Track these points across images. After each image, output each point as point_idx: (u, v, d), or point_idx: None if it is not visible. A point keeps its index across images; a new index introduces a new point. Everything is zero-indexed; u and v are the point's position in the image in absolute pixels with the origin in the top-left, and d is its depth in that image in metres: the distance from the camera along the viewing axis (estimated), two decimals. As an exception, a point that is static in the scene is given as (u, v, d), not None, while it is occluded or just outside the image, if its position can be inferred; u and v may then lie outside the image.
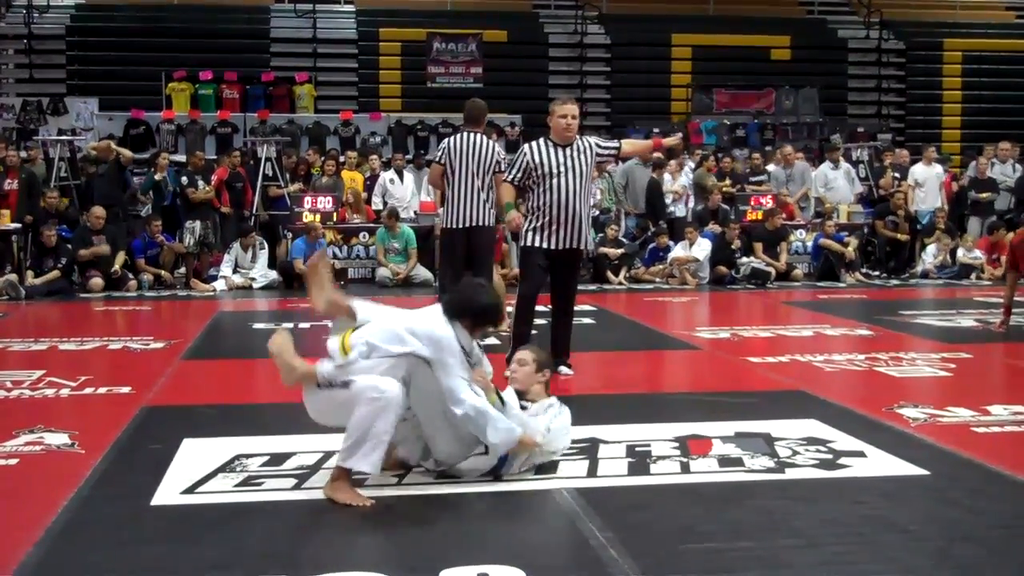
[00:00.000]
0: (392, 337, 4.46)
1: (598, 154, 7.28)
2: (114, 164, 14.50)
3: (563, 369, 7.07)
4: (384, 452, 4.38)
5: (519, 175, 7.18)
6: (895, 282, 15.00)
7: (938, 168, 16.64)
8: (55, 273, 12.93)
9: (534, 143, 7.27)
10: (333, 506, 4.25)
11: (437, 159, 8.58)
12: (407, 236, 14.22)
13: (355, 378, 4.37)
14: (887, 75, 23.96)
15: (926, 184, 16.37)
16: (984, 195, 16.44)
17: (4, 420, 5.85)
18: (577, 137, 7.21)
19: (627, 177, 15.41)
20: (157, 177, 14.94)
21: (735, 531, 3.95)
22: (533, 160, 7.10)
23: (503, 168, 8.30)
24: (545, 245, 7.13)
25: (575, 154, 7.12)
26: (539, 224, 7.13)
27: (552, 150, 7.12)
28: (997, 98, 23.30)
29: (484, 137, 8.51)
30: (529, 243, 7.20)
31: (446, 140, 8.72)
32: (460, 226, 8.35)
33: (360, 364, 4.40)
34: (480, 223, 8.38)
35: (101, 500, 4.37)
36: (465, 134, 8.48)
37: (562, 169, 7.06)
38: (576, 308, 7.69)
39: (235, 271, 14.04)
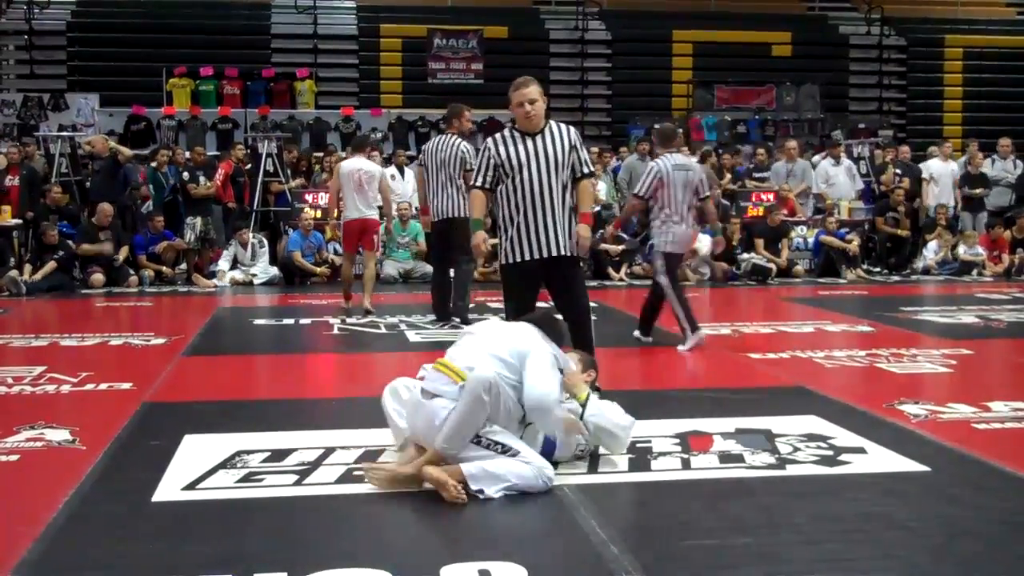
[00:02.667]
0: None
1: (575, 148, 6.11)
2: (111, 161, 14.50)
3: None
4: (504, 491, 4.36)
5: (489, 175, 6.12)
6: (896, 278, 15.01)
7: (953, 165, 16.64)
8: (51, 265, 12.93)
9: (498, 135, 6.21)
10: (334, 503, 4.26)
11: (419, 162, 9.87)
12: (415, 231, 14.21)
13: (521, 450, 4.42)
14: (888, 71, 23.96)
15: (940, 180, 16.37)
16: (976, 191, 16.44)
17: (5, 416, 5.86)
18: (551, 123, 6.12)
19: (629, 173, 15.42)
20: (154, 164, 14.98)
21: (736, 527, 3.96)
22: (498, 155, 6.06)
23: (470, 165, 9.09)
24: (519, 258, 6.09)
25: (546, 142, 6.03)
26: (512, 234, 6.10)
27: (518, 140, 6.04)
28: (998, 94, 23.30)
29: (453, 136, 9.62)
30: (504, 259, 6.18)
31: (425, 145, 9.98)
32: (439, 218, 9.59)
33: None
34: (454, 215, 9.46)
35: (102, 496, 4.37)
36: (438, 137, 9.81)
37: (531, 160, 6.00)
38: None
39: (234, 267, 14.05)
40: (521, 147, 6.04)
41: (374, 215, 10.88)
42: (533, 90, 5.97)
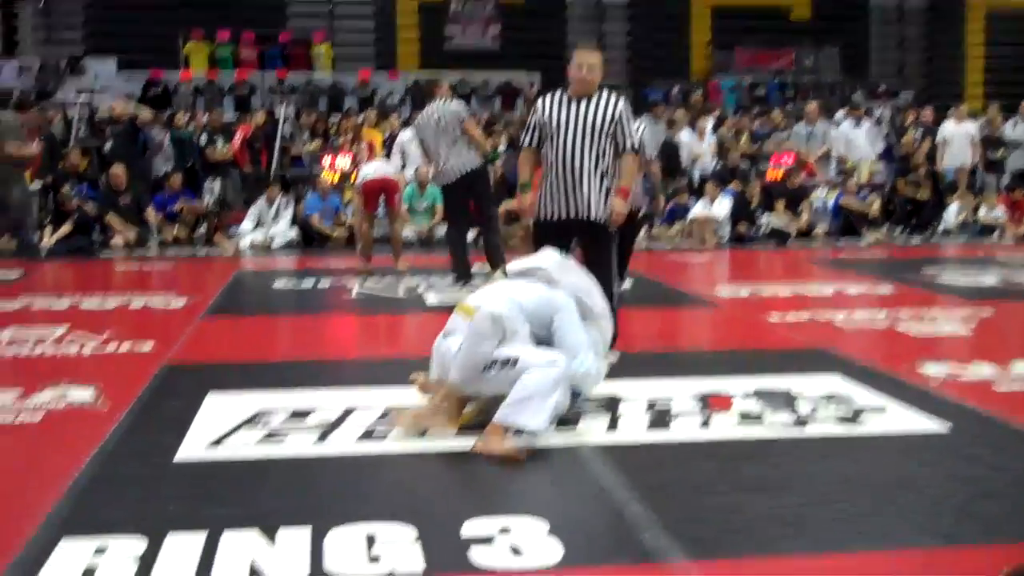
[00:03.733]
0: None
1: (620, 121, 6.07)
2: (129, 124, 14.52)
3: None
4: (552, 416, 4.49)
5: (534, 135, 6.21)
6: (917, 240, 14.93)
7: (969, 126, 16.47)
8: (67, 228, 12.96)
9: (548, 95, 6.29)
10: (355, 460, 4.29)
11: (415, 137, 10.14)
12: (434, 195, 14.18)
13: (519, 355, 4.50)
14: (910, 34, 23.73)
15: (953, 142, 16.24)
16: (998, 153, 16.30)
17: (28, 376, 5.90)
18: (604, 92, 6.15)
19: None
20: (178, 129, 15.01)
21: (755, 487, 3.96)
22: (542, 115, 6.13)
23: (465, 115, 9.57)
24: (549, 217, 6.16)
25: (590, 108, 6.06)
26: (543, 191, 6.18)
27: (564, 103, 6.11)
28: (1021, 56, 23.06)
29: (440, 101, 9.69)
30: (536, 216, 6.27)
31: (417, 120, 10.06)
32: (454, 179, 9.56)
33: (517, 327, 4.58)
34: (467, 170, 9.52)
35: (125, 455, 4.41)
36: (426, 109, 9.81)
37: (570, 123, 6.05)
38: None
39: (257, 227, 14.07)
40: (565, 110, 6.08)
41: (393, 176, 10.88)
42: (594, 56, 6.08)
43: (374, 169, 10.96)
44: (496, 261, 9.61)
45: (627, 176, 6.16)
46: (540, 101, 6.27)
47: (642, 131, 8.96)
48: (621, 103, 6.14)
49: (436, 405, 4.61)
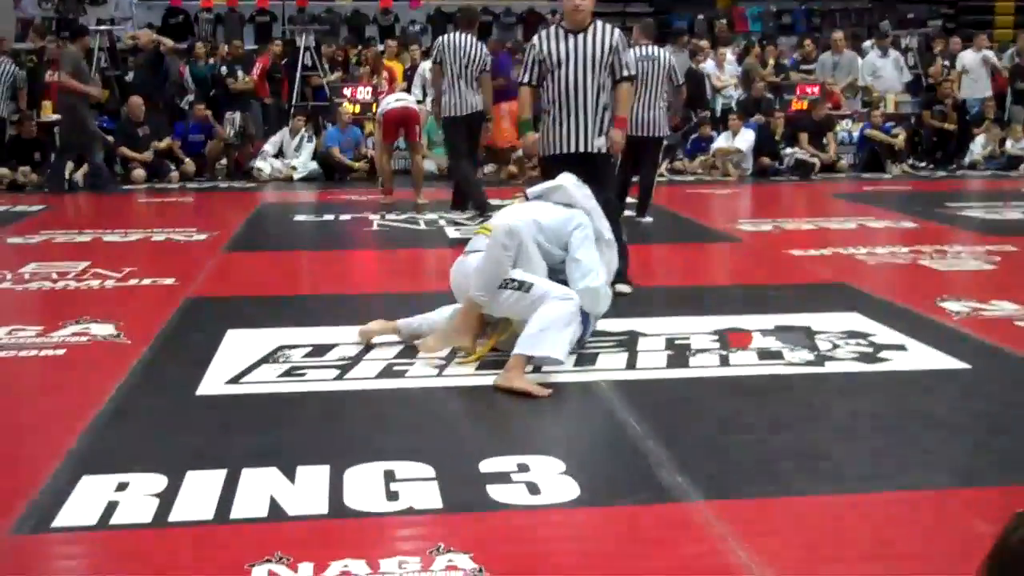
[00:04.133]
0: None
1: (616, 51, 6.13)
2: (153, 54, 14.44)
3: (619, 287, 6.03)
4: (570, 344, 4.58)
5: (534, 71, 6.23)
6: (942, 173, 14.78)
7: (989, 54, 16.17)
8: (85, 167, 12.96)
9: (543, 31, 6.36)
10: (374, 397, 4.31)
11: (435, 59, 9.96)
12: None
13: (534, 282, 4.59)
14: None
15: (973, 71, 15.97)
16: None
17: (50, 311, 5.96)
18: (597, 23, 6.20)
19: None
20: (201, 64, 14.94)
21: (774, 423, 3.97)
22: (541, 50, 6.17)
23: (488, 68, 9.87)
24: (551, 151, 6.24)
25: (587, 41, 6.10)
26: (547, 126, 6.27)
27: (561, 37, 6.14)
28: (1053, -16, 22.60)
29: (473, 38, 9.89)
30: (543, 152, 6.35)
31: (439, 39, 10.08)
32: (460, 114, 9.82)
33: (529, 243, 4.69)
34: (475, 110, 9.87)
35: (147, 390, 4.45)
36: (457, 34, 9.88)
37: (570, 57, 6.09)
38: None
39: (279, 155, 14.02)
40: (563, 44, 6.12)
41: (413, 107, 10.82)
42: None
43: (395, 99, 10.93)
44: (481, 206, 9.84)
45: (623, 105, 6.29)
46: (536, 38, 6.33)
47: (669, 59, 9.29)
48: (616, 33, 6.22)
49: (458, 323, 4.72)
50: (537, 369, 4.53)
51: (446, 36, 10.02)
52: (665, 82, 9.17)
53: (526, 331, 4.45)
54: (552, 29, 6.31)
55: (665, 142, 9.94)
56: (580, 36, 6.12)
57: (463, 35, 9.86)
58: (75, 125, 12.43)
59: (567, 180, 5.16)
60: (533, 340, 4.42)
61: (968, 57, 16.10)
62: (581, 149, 6.18)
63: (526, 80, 6.32)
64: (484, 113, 10.06)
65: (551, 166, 6.13)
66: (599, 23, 6.21)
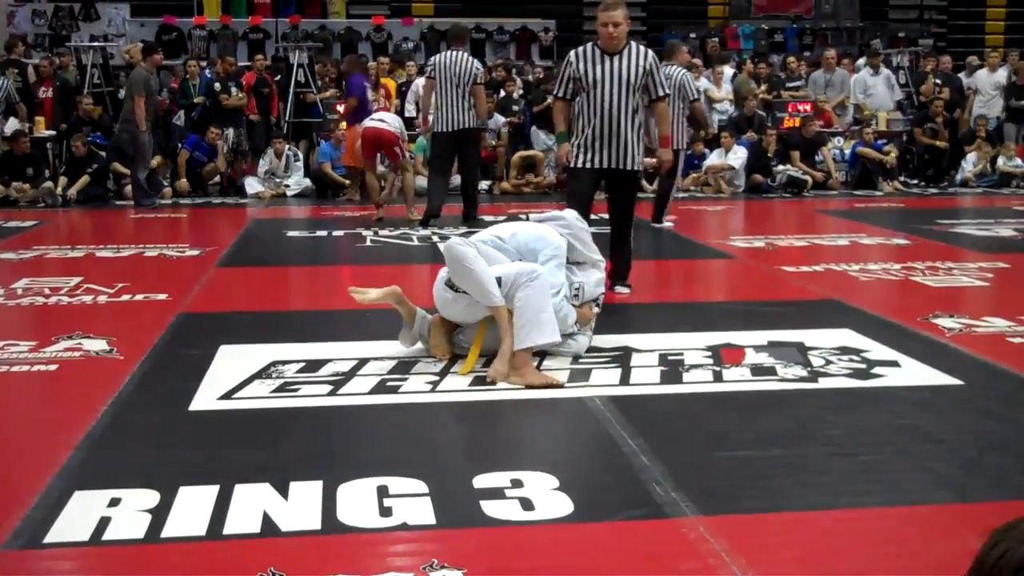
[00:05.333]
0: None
1: (651, 73, 6.54)
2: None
3: (619, 288, 6.78)
4: (555, 321, 4.79)
5: (568, 87, 6.63)
6: (933, 190, 14.82)
7: (1001, 74, 16.24)
8: (85, 179, 12.97)
9: (580, 49, 6.67)
10: (367, 412, 4.31)
11: (428, 74, 10.41)
12: None
13: (500, 274, 4.77)
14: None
15: (985, 91, 16.03)
16: (1021, 102, 16.10)
17: (43, 326, 5.94)
18: (632, 45, 6.58)
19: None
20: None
21: (767, 439, 3.97)
22: (576, 69, 6.53)
23: (480, 80, 10.20)
24: (585, 164, 6.61)
25: (623, 63, 6.47)
26: (580, 141, 6.61)
27: (597, 58, 6.51)
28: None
29: (464, 54, 10.23)
30: (572, 163, 6.69)
31: (433, 58, 10.58)
32: (448, 129, 10.16)
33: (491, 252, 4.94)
34: (464, 126, 10.19)
35: (140, 405, 4.44)
36: (449, 52, 10.30)
37: (606, 78, 6.46)
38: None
39: (268, 179, 14.02)
40: (599, 66, 6.49)
41: (390, 128, 10.73)
42: (619, 14, 6.46)
43: (373, 119, 10.95)
44: (472, 211, 10.68)
45: (666, 123, 6.86)
46: (573, 54, 6.65)
47: (681, 75, 9.97)
48: (650, 55, 6.61)
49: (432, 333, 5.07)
50: (537, 366, 4.66)
51: (439, 55, 10.46)
52: (678, 99, 9.77)
53: (517, 325, 4.66)
54: (588, 48, 6.60)
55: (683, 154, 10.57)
56: (615, 58, 6.49)
57: (455, 52, 10.23)
58: (133, 140, 12.48)
59: (569, 215, 5.49)
60: (528, 330, 4.64)
61: (981, 77, 16.17)
62: (617, 166, 6.58)
63: (560, 94, 6.73)
64: (476, 128, 10.49)
65: (577, 177, 6.69)
66: (633, 45, 6.58)
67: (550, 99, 7.93)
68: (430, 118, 10.38)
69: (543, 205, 7.40)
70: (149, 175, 13.37)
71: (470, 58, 10.26)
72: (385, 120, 10.83)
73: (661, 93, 6.64)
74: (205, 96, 14.70)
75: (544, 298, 4.71)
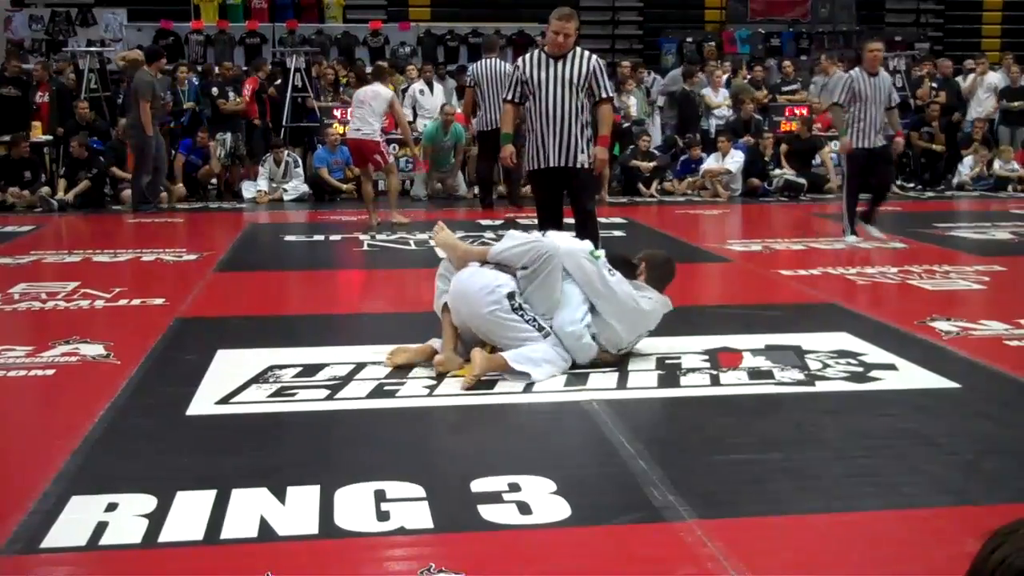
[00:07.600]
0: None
1: (594, 75, 6.90)
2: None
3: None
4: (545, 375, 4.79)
5: (517, 90, 7.03)
6: (930, 194, 14.83)
7: (995, 78, 16.21)
8: (85, 184, 12.96)
9: (527, 55, 7.16)
10: (365, 417, 4.30)
11: (469, 84, 12.21)
12: (458, 133, 13.88)
13: (546, 326, 4.87)
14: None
15: (987, 95, 16.05)
16: (1016, 104, 16.11)
17: (40, 331, 5.94)
18: (578, 51, 6.94)
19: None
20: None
21: (765, 443, 3.97)
22: (524, 73, 6.94)
23: None
24: (539, 166, 7.00)
25: (567, 66, 6.85)
26: (530, 143, 7.02)
27: (543, 62, 6.91)
28: (1038, 6, 22.75)
29: (500, 61, 11.93)
30: (527, 166, 7.16)
31: (472, 67, 12.47)
32: (494, 128, 10.76)
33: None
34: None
35: (137, 410, 4.44)
36: (488, 60, 12.05)
37: (551, 80, 6.85)
38: (606, 220, 7.73)
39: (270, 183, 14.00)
40: (545, 70, 6.87)
41: (370, 136, 10.67)
42: (571, 26, 6.83)
43: (351, 129, 11.01)
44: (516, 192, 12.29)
45: (605, 124, 7.12)
46: (521, 60, 7.13)
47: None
48: (594, 59, 6.98)
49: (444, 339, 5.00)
50: (529, 387, 4.56)
51: (478, 63, 12.33)
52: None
53: (523, 349, 4.70)
54: (536, 53, 7.04)
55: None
56: (560, 62, 6.85)
57: (495, 60, 12.05)
58: (140, 146, 12.46)
59: (511, 232, 5.44)
60: (525, 359, 4.66)
61: (997, 80, 16.17)
62: (563, 164, 6.92)
63: (509, 97, 7.14)
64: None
65: (535, 180, 7.17)
66: (579, 50, 6.91)
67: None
68: (474, 123, 12.04)
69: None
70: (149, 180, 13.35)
71: (505, 63, 11.82)
72: (361, 129, 10.72)
73: (604, 95, 6.97)
74: (195, 102, 14.70)
75: (554, 360, 4.78)
